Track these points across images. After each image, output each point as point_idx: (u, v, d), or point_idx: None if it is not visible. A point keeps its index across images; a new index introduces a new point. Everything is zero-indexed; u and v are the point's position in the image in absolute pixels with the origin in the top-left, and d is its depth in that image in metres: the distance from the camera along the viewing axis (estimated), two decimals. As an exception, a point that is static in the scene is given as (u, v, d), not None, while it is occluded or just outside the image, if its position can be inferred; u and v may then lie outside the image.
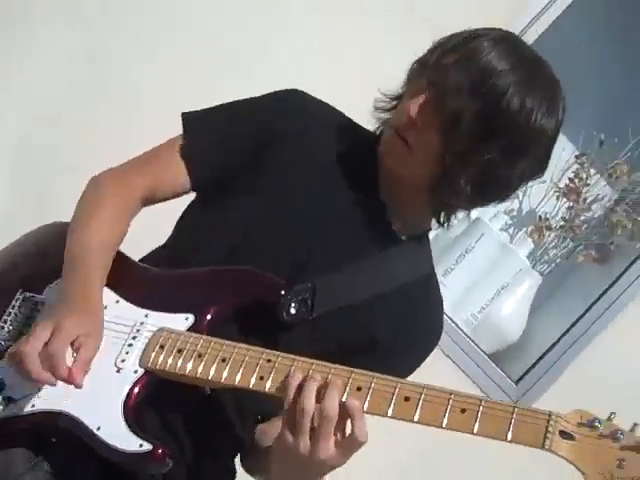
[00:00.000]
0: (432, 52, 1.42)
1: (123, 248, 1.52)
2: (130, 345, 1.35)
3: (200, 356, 1.31)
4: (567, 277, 3.32)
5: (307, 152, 1.49)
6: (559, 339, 2.96)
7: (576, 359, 2.92)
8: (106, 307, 1.40)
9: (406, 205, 1.48)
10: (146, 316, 1.39)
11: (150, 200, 1.55)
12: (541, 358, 2.97)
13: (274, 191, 1.47)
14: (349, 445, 1.21)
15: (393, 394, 1.22)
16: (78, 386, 1.28)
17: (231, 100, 1.59)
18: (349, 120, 1.57)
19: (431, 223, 1.56)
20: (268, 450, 1.40)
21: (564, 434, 1.14)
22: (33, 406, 1.33)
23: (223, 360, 1.30)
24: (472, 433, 1.17)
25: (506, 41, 1.40)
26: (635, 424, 1.13)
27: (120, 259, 1.47)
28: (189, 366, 1.31)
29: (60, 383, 1.29)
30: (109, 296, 1.42)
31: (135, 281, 1.46)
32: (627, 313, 2.89)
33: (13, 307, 1.44)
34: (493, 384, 2.97)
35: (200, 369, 1.30)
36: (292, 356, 1.28)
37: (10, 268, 1.53)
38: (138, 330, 1.37)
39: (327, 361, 1.28)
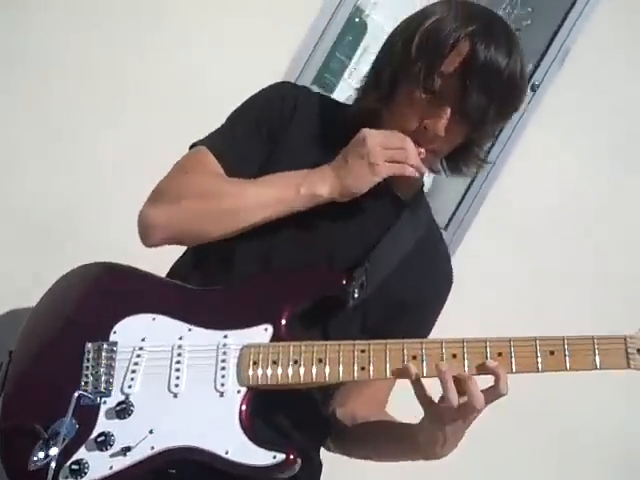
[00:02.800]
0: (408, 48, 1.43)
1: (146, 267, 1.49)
2: (223, 368, 1.36)
3: (296, 362, 1.34)
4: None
5: (305, 143, 1.52)
6: (469, 186, 3.04)
7: (488, 195, 3.03)
8: (181, 338, 1.39)
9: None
10: (225, 337, 1.38)
11: None
12: (460, 202, 3.04)
13: None
14: (493, 396, 1.29)
15: (485, 354, 1.30)
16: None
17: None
18: (334, 101, 1.65)
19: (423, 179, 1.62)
20: (376, 424, 1.53)
21: (640, 351, 1.27)
22: (152, 448, 1.32)
23: (320, 361, 1.34)
24: (566, 370, 1.28)
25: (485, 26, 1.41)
26: None
27: (173, 288, 1.46)
28: (290, 374, 1.34)
29: (170, 422, 1.33)
30: (180, 327, 1.41)
31: (199, 305, 1.44)
32: (526, 139, 3.02)
33: (88, 360, 1.38)
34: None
35: (302, 374, 1.34)
36: (383, 341, 1.33)
37: (65, 324, 1.45)
38: (224, 352, 1.37)
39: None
